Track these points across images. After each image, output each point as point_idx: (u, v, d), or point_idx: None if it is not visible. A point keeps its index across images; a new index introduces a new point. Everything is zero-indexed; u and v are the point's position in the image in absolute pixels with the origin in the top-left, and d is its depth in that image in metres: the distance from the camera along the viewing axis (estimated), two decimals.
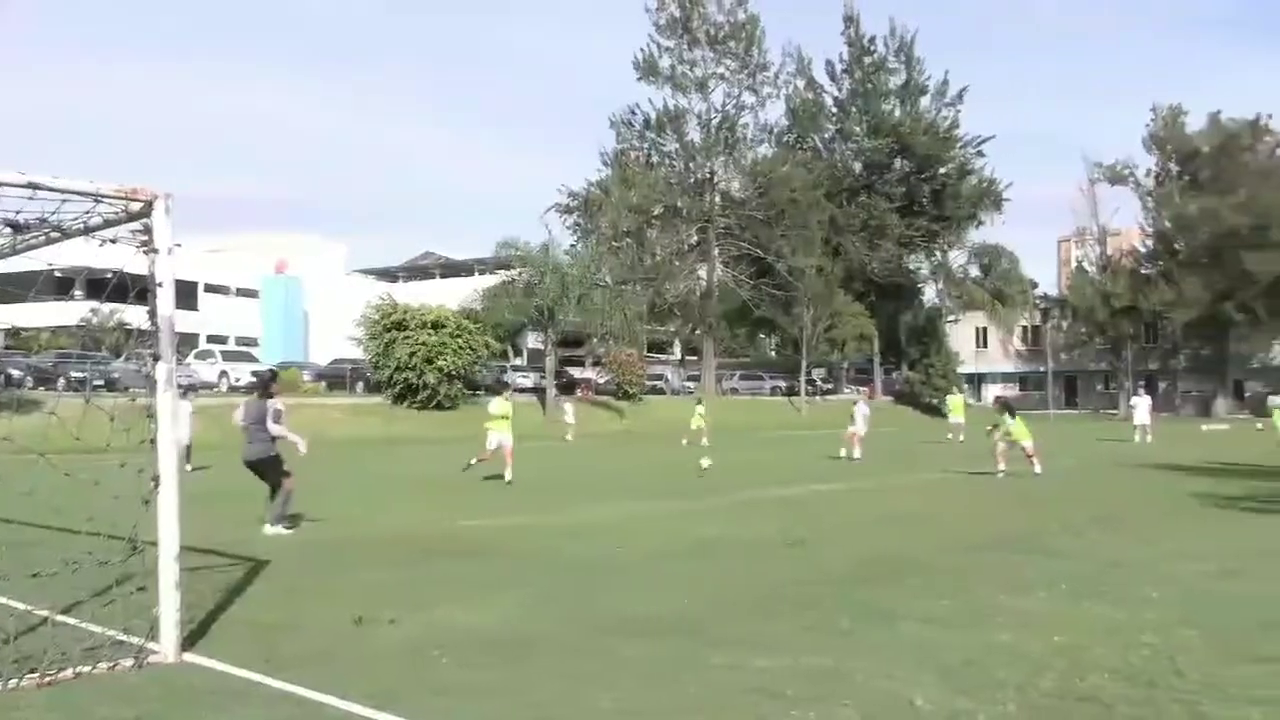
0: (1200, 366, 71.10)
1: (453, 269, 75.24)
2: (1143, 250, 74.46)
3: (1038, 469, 19.51)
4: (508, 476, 17.68)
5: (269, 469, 11.62)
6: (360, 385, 45.07)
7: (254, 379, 13.08)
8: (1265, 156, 68.60)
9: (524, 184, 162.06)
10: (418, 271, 79.23)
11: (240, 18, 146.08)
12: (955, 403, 37.19)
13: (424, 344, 40.02)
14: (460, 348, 40.93)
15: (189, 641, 6.35)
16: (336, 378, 46.25)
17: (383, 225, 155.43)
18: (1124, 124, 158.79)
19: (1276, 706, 5.08)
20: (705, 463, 20.51)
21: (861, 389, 28.87)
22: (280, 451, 11.73)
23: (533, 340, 58.32)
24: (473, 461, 18.13)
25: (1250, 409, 63.57)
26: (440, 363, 40.12)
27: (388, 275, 76.74)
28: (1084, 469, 22.68)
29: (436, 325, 40.70)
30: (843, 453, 25.12)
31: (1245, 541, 10.61)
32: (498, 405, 18.52)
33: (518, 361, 58.61)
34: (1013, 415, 20.36)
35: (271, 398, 11.81)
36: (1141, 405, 36.11)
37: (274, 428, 11.54)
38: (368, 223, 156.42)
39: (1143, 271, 71.65)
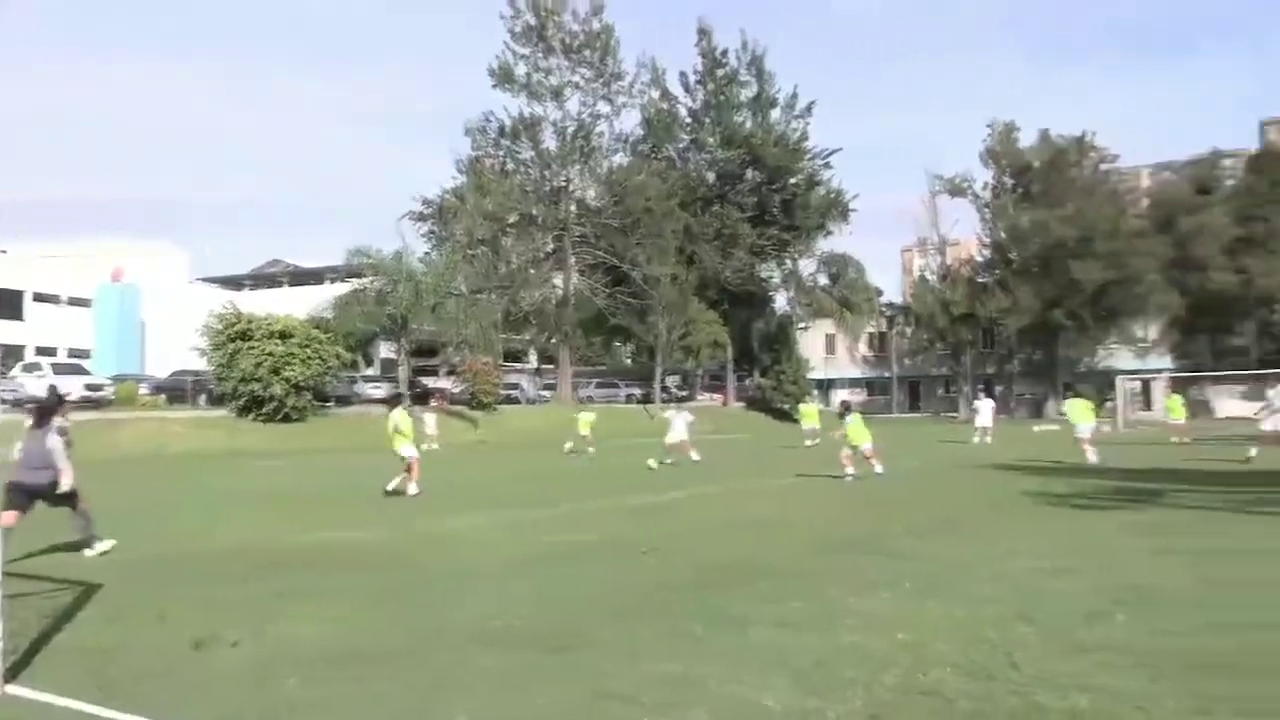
0: (1033, 370, 74.60)
1: (302, 277, 73.28)
2: (980, 260, 77.72)
3: (878, 469, 20.32)
4: (413, 490, 17.39)
5: (56, 493, 10.74)
6: (203, 398, 43.46)
7: (35, 406, 12.04)
8: (1090, 172, 72.60)
9: (377, 191, 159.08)
10: (264, 280, 76.92)
11: (78, 8, 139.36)
12: (808, 411, 38.02)
13: (271, 354, 38.85)
14: (309, 358, 39.89)
15: (11, 673, 5.98)
16: (177, 390, 44.48)
17: (228, 232, 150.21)
18: (964, 139, 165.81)
19: (1103, 694, 5.34)
20: (653, 463, 21.87)
21: (680, 405, 29.52)
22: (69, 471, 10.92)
23: (385, 350, 57.34)
24: (393, 487, 17.57)
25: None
26: (288, 373, 39.01)
27: (233, 283, 74.25)
28: (927, 471, 23.48)
29: (284, 335, 39.56)
30: (669, 460, 25.21)
31: (1074, 538, 11.14)
32: (400, 418, 18.12)
33: (369, 371, 57.49)
34: (848, 415, 21.03)
35: (48, 424, 10.85)
36: (984, 408, 37.70)
37: (59, 459, 10.63)
38: (212, 229, 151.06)
39: (980, 280, 74.77)
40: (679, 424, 25.98)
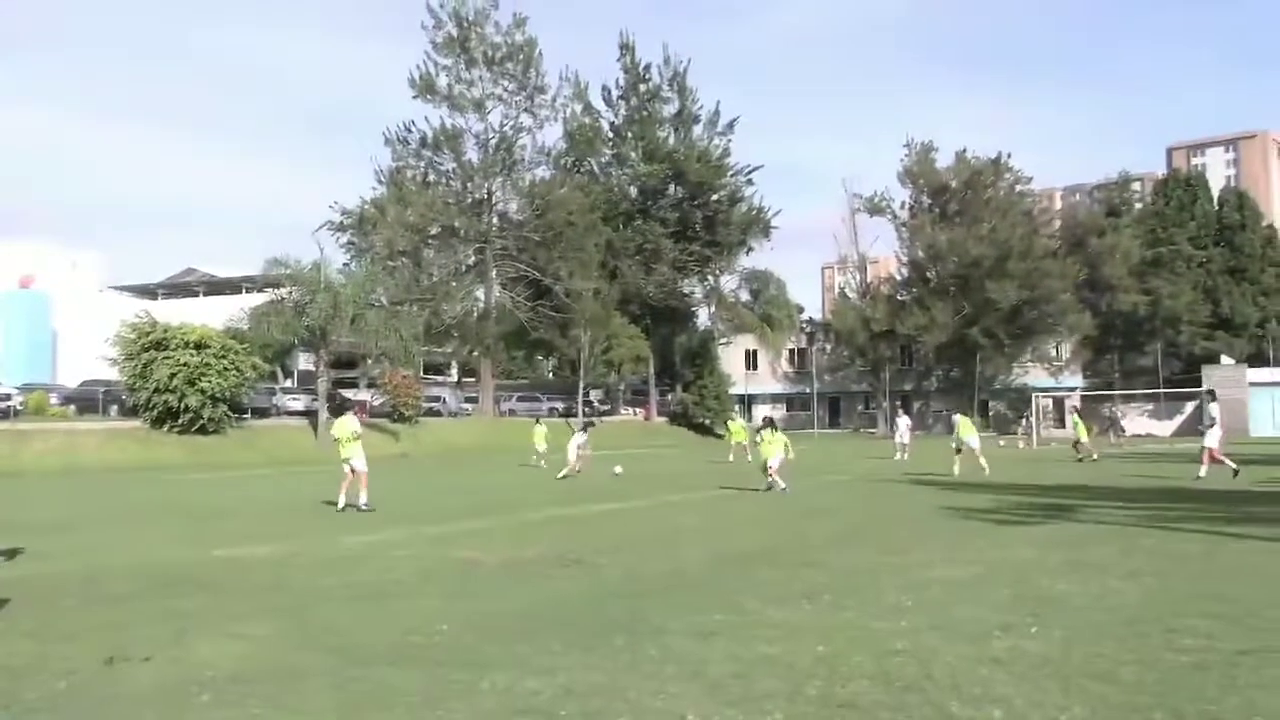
0: (950, 387, 75.97)
1: (218, 287, 71.85)
2: (899, 278, 79.06)
3: (780, 485, 20.56)
4: (363, 500, 17.13)
5: None
6: (114, 408, 42.37)
7: None
8: (1005, 193, 74.30)
9: (296, 200, 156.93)
10: (179, 289, 75.21)
11: None
12: (736, 428, 38.50)
13: (186, 365, 38.05)
14: (225, 369, 39.16)
15: None
16: (88, 400, 43.32)
17: (142, 240, 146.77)
18: (884, 158, 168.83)
19: (1016, 704, 5.45)
20: (618, 469, 22.86)
21: (581, 424, 30.24)
22: None
23: (304, 361, 56.45)
24: (344, 503, 17.18)
25: (995, 426, 68.40)
26: (204, 384, 38.25)
27: (147, 292, 72.54)
28: (846, 485, 23.78)
29: (200, 345, 38.79)
30: (561, 472, 26.02)
31: (988, 551, 11.36)
32: (350, 424, 17.81)
33: (287, 383, 56.59)
34: (771, 429, 21.71)
35: None
36: (903, 424, 38.28)
37: None
38: (126, 237, 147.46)
39: (899, 298, 76.05)
40: (570, 445, 26.87)
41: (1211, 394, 26.52)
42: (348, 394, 52.97)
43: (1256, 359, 75.94)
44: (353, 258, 55.82)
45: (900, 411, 42.26)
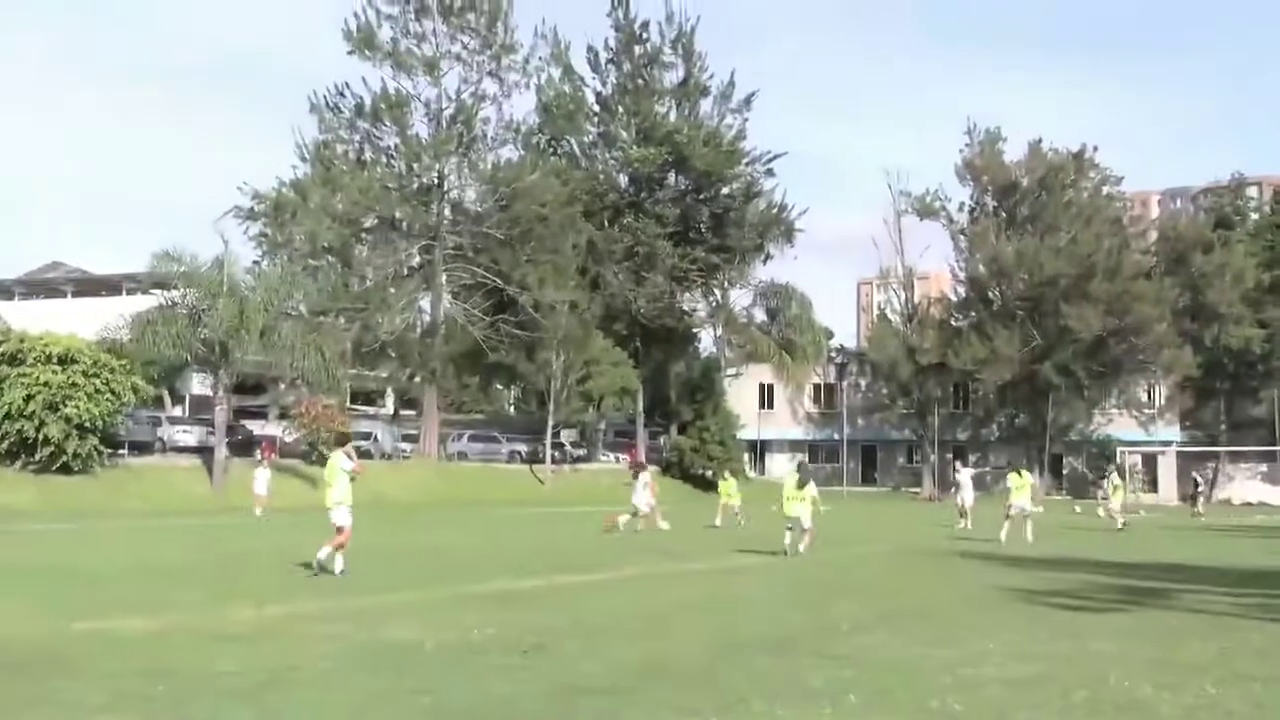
0: (1013, 437, 76.11)
1: (90, 286, 71.61)
2: (954, 299, 79.39)
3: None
4: (339, 566, 17.16)
5: None
6: None
7: None
8: (1089, 195, 74.74)
9: (193, 179, 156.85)
10: (41, 287, 74.97)
11: None
12: (726, 486, 38.20)
13: (46, 385, 37.93)
14: (97, 391, 39.04)
15: None
16: None
17: None
18: (939, 149, 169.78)
19: None
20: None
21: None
22: None
23: (198, 385, 56.21)
24: (323, 559, 17.23)
25: (1070, 487, 68.56)
26: (69, 410, 38.12)
27: (1, 291, 72.36)
28: (883, 557, 23.80)
29: (65, 360, 38.69)
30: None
31: (1056, 644, 11.37)
32: (342, 462, 17.86)
33: (176, 411, 56.37)
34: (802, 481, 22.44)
35: None
36: (966, 482, 37.13)
37: None
38: None
39: (953, 323, 76.32)
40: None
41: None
42: (254, 427, 52.86)
43: None
44: (265, 254, 55.85)
45: (959, 466, 41.62)
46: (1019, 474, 30.34)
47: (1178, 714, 8.10)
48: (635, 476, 27.42)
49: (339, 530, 17.49)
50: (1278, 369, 77.38)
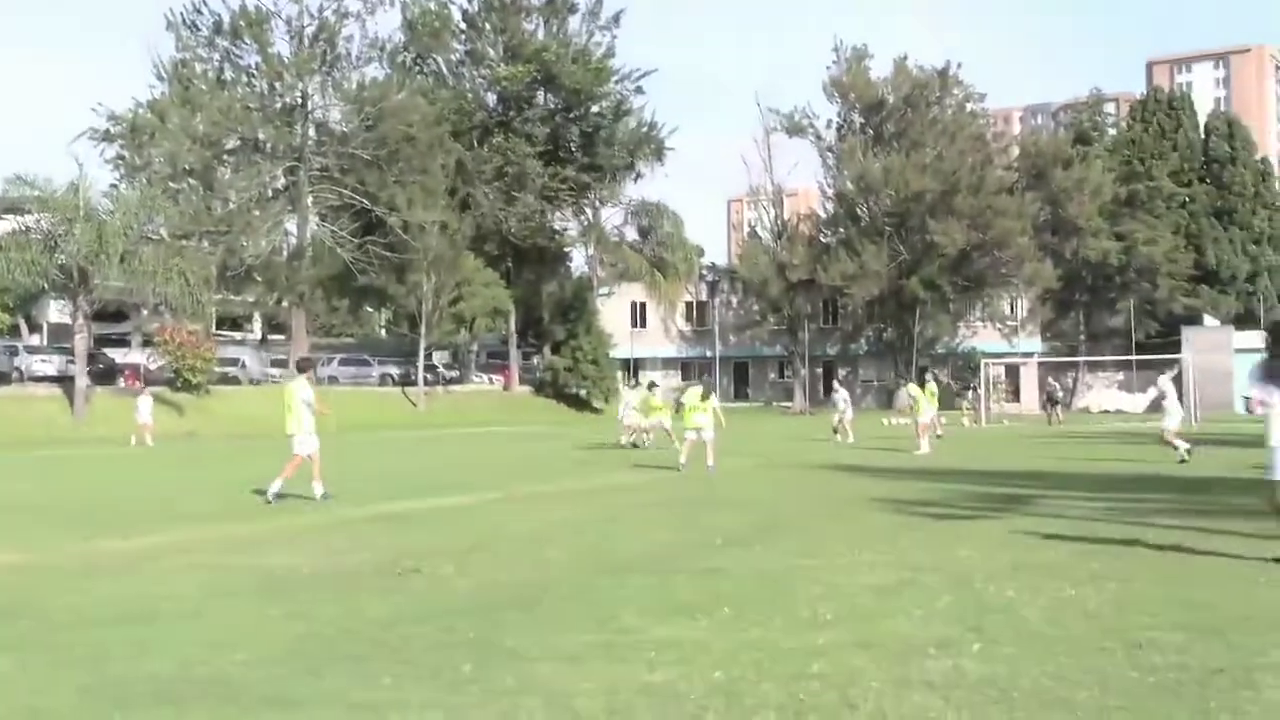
0: (881, 351, 77.55)
1: None
2: (822, 215, 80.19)
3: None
4: (318, 491, 17.11)
5: None
6: None
7: None
8: (954, 112, 75.80)
9: (46, 100, 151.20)
10: None
11: None
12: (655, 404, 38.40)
13: None
14: None
15: None
16: None
17: None
18: (807, 68, 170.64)
19: None
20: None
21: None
22: None
23: (57, 312, 54.81)
24: (275, 491, 17.09)
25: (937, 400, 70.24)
26: None
27: None
28: (755, 471, 24.17)
29: None
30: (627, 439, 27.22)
31: (926, 551, 11.65)
32: (302, 391, 17.62)
33: (34, 340, 54.90)
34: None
35: None
36: (842, 399, 37.72)
37: None
38: None
39: (822, 239, 77.17)
40: (141, 406, 27.08)
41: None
42: (116, 355, 51.66)
43: (1245, 320, 79.06)
44: (123, 177, 54.36)
45: (836, 385, 41.68)
46: (922, 386, 32.07)
47: (1039, 615, 8.36)
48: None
49: (297, 459, 17.38)
50: (1134, 281, 79.82)
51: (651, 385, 35.19)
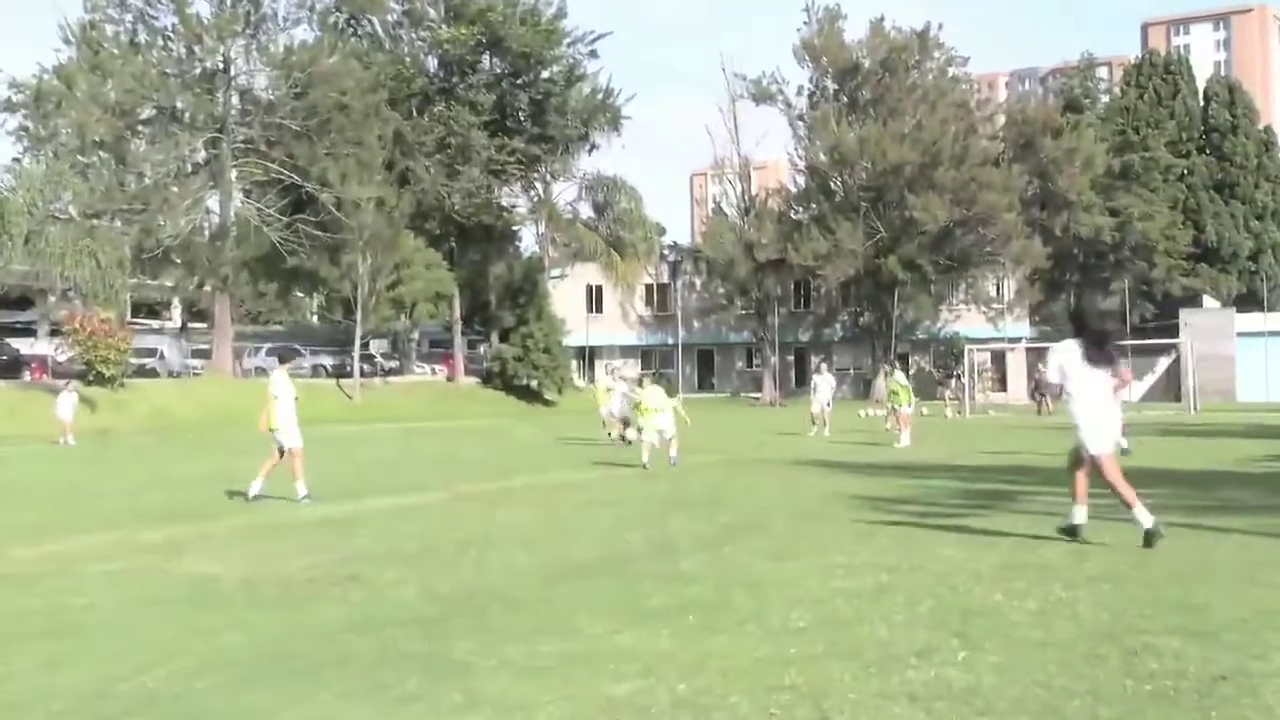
0: (858, 336, 77.85)
1: None
2: (793, 189, 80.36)
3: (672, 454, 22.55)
4: (301, 492, 17.21)
5: None
6: None
7: None
8: (934, 77, 76.08)
9: None
10: None
11: None
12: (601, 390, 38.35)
13: None
14: None
15: None
16: None
17: None
18: (776, 31, 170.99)
19: None
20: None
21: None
22: None
23: None
24: (257, 492, 17.34)
25: (917, 387, 70.49)
26: None
27: None
28: (722, 468, 24.25)
29: None
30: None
31: (906, 553, 11.75)
32: (282, 382, 17.94)
33: None
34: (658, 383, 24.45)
35: None
36: (824, 386, 36.80)
37: None
38: None
39: (793, 216, 77.30)
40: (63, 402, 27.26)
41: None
42: (21, 345, 51.18)
43: (1247, 300, 79.75)
44: (27, 150, 53.82)
45: (823, 368, 40.90)
46: (900, 374, 33.50)
47: (1026, 619, 8.47)
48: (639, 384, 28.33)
49: (280, 454, 17.57)
50: (1128, 259, 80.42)
51: (610, 369, 35.29)
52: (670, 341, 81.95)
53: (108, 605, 9.75)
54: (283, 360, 19.36)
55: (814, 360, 70.07)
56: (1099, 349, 11.87)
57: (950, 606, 8.93)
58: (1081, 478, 12.05)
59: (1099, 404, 11.72)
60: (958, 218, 70.81)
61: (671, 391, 25.52)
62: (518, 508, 16.75)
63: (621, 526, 14.48)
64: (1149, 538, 11.46)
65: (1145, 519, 11.55)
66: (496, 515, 15.96)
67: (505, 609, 9.25)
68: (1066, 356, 11.81)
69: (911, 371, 75.50)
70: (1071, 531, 12.08)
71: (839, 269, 71.05)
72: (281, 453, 17.77)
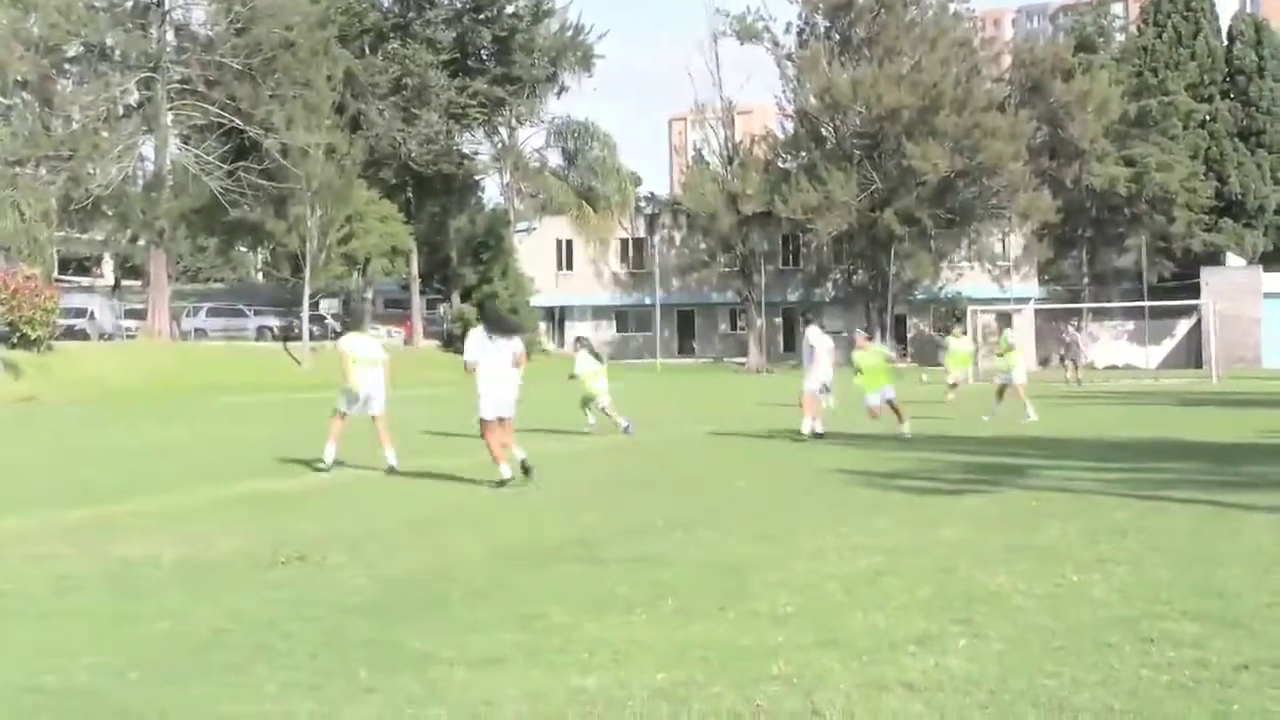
0: (851, 297, 77.70)
1: None
2: (781, 136, 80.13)
3: (623, 422, 23.51)
4: (390, 460, 17.62)
5: None
6: None
7: None
8: (935, 12, 75.81)
9: None
10: None
11: None
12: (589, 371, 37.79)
13: None
14: None
15: None
16: None
17: None
18: None
19: None
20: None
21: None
22: None
23: None
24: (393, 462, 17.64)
25: (916, 353, 70.55)
26: None
27: None
28: (702, 441, 24.23)
29: None
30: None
31: (904, 532, 11.74)
32: (366, 345, 18.45)
33: None
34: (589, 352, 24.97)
35: None
36: (822, 347, 31.99)
37: None
38: None
39: (781, 165, 77.09)
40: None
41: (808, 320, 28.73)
42: None
43: (1274, 258, 79.78)
44: None
45: (808, 323, 37.38)
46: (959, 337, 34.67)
47: (1035, 604, 8.46)
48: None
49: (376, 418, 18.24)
50: (1145, 213, 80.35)
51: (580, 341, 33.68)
52: (647, 301, 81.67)
53: (32, 593, 9.67)
54: (354, 326, 19.95)
55: (803, 319, 70.12)
56: None
57: (952, 591, 8.92)
58: None
59: None
60: (960, 167, 70.71)
61: (601, 357, 26.41)
62: (475, 485, 16.67)
63: (588, 505, 14.33)
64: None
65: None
66: (453, 493, 15.91)
67: (464, 595, 9.20)
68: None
69: (910, 335, 75.93)
70: None
71: (830, 223, 70.80)
72: (343, 416, 18.18)
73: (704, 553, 10.85)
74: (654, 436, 23.37)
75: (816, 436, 22.73)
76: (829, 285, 79.67)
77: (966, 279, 76.79)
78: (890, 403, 23.65)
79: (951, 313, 71.17)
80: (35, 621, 8.60)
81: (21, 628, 8.41)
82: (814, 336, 24.43)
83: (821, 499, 14.54)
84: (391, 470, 17.49)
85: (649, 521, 12.77)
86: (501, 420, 15.86)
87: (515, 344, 16.16)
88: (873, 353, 25.41)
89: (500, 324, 16.39)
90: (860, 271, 77.09)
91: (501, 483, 15.44)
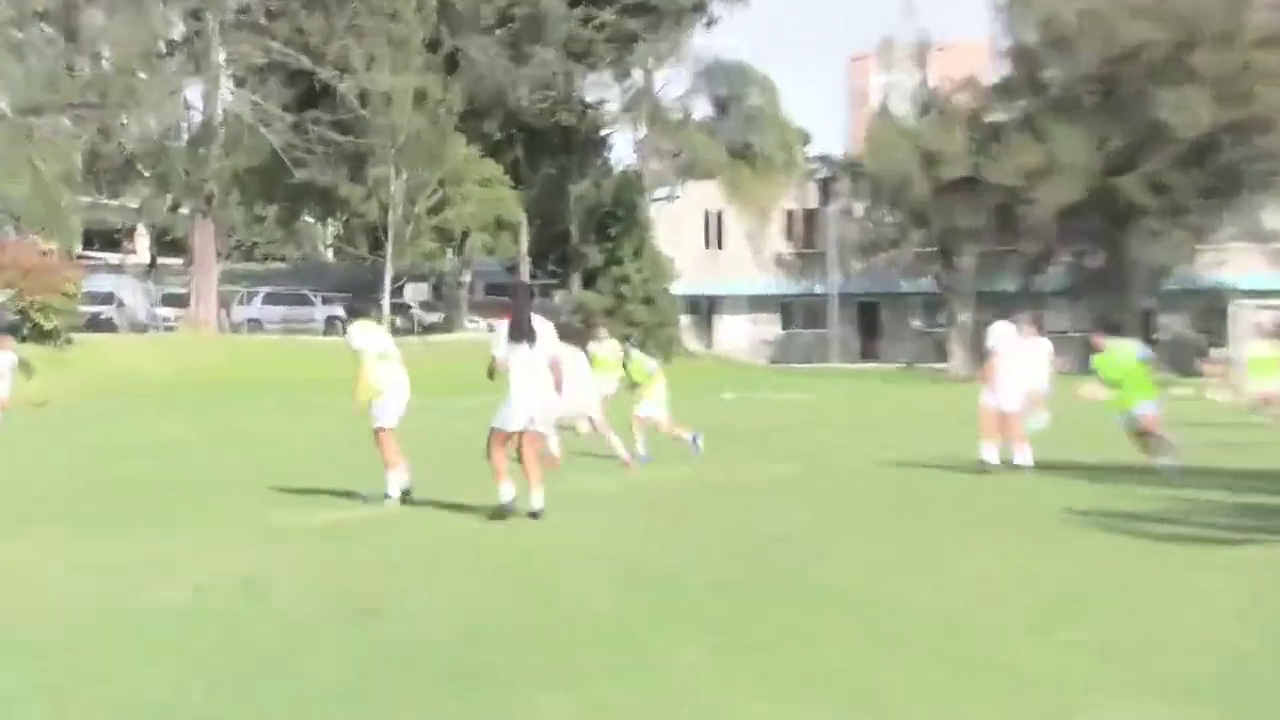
0: (1083, 286, 76.73)
1: None
2: (992, 82, 79.48)
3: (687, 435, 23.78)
4: (402, 483, 17.53)
5: None
6: None
7: None
8: None
9: None
10: None
11: None
12: (637, 365, 36.92)
13: None
14: None
15: None
16: None
17: None
18: None
19: None
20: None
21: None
22: None
23: None
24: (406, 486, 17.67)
25: (1169, 358, 69.48)
26: None
27: None
28: (879, 475, 24.03)
29: None
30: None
31: (1139, 586, 11.50)
32: (377, 338, 18.38)
33: None
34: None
35: None
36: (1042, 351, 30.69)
37: None
38: None
39: (990, 119, 76.44)
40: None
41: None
42: None
43: None
44: None
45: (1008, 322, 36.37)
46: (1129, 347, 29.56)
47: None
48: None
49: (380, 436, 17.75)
50: None
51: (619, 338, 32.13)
52: (819, 290, 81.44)
53: (74, 630, 9.77)
54: (360, 314, 19.89)
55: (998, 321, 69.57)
56: None
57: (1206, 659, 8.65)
58: None
59: None
60: (1225, 121, 69.32)
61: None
62: (586, 510, 16.63)
63: (737, 526, 14.24)
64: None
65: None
66: (555, 524, 15.83)
67: (563, 644, 9.13)
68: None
69: (1157, 335, 74.87)
70: None
71: (1055, 191, 69.79)
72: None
73: (884, 591, 10.67)
74: (816, 469, 23.13)
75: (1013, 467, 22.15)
76: (1052, 272, 78.70)
77: (1233, 265, 75.49)
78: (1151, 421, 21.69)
79: (1212, 307, 69.95)
80: (70, 654, 8.63)
81: (55, 661, 8.45)
82: (1001, 334, 23.73)
83: (1040, 537, 14.24)
84: (388, 498, 17.40)
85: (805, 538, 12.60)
86: (532, 432, 15.83)
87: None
88: (1122, 354, 23.27)
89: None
90: (1093, 253, 76.16)
91: (501, 511, 15.39)
